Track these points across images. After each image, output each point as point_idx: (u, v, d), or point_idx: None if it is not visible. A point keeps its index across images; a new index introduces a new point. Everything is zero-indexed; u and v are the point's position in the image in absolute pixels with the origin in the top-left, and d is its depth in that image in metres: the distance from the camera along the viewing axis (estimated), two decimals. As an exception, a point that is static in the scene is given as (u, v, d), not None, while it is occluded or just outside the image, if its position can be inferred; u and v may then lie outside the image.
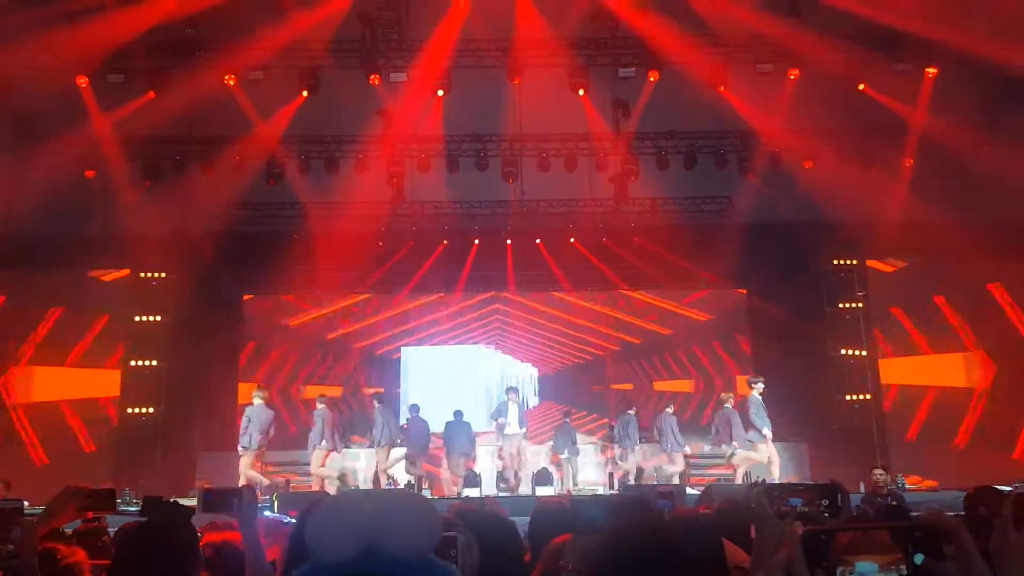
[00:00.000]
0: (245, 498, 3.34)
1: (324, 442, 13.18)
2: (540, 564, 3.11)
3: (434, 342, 17.40)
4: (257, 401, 12.92)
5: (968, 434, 15.37)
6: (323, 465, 13.34)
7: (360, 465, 14.68)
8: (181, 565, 2.47)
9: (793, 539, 1.16)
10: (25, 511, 2.97)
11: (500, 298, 17.47)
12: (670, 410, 14.52)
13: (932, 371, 15.97)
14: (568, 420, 14.93)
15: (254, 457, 12.76)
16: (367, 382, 17.16)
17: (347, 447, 14.48)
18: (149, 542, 2.57)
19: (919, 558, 1.18)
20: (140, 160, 14.52)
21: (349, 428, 14.96)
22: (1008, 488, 6.19)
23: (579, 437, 15.24)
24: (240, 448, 12.73)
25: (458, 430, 14.31)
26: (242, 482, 11.95)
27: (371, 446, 14.30)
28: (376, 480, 13.95)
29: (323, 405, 13.60)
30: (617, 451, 14.67)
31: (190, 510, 2.94)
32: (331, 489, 13.67)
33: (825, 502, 2.30)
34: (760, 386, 13.15)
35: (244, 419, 12.76)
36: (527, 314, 17.51)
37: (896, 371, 16.08)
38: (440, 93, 13.58)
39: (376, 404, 14.03)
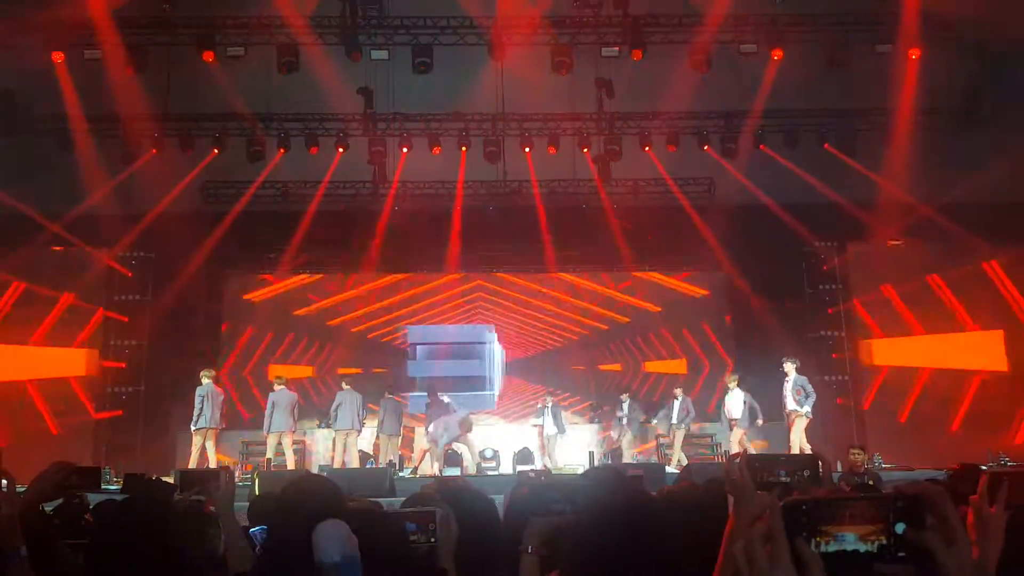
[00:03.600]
0: (223, 480, 3.34)
1: (286, 422, 13.15)
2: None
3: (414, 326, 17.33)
4: (206, 381, 12.87)
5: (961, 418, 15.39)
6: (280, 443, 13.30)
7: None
8: (162, 542, 2.46)
9: (773, 510, 1.16)
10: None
11: (482, 279, 17.42)
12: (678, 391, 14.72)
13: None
14: (553, 400, 14.96)
15: (210, 436, 12.77)
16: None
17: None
18: (130, 518, 2.55)
19: (900, 527, 1.19)
20: (118, 138, 14.36)
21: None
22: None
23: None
24: (193, 427, 12.67)
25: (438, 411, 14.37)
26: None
27: (324, 425, 14.40)
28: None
29: (281, 386, 13.56)
30: (614, 434, 14.86)
31: (172, 487, 2.93)
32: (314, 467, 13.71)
33: (806, 472, 2.31)
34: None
35: (197, 399, 12.69)
36: (507, 299, 17.45)
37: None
38: (422, 71, 13.47)
39: (344, 386, 13.98)
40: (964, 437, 14.79)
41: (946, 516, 1.20)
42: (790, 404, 12.68)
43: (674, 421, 14.29)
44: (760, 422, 13.32)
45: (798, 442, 12.48)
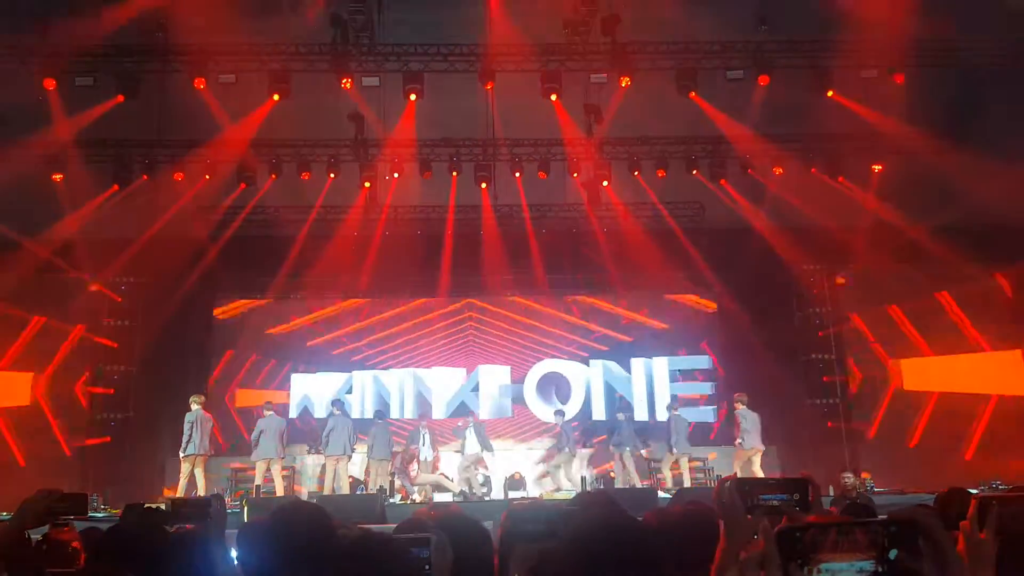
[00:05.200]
0: (214, 507, 3.32)
1: (274, 449, 13.11)
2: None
3: (408, 349, 17.25)
4: (195, 407, 12.86)
5: (977, 439, 15.31)
6: (268, 470, 13.23)
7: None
8: (157, 568, 2.44)
9: (768, 535, 1.16)
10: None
11: (473, 304, 17.41)
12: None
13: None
14: (475, 420, 14.71)
15: (199, 463, 12.73)
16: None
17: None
18: (124, 546, 2.54)
19: (893, 553, 1.19)
20: (109, 164, 14.37)
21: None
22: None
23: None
24: (182, 454, 12.66)
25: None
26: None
27: (313, 451, 14.31)
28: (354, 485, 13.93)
29: (270, 412, 13.53)
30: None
31: (167, 514, 2.91)
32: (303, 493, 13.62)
33: (796, 496, 2.31)
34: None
35: (187, 425, 12.70)
36: (500, 320, 17.43)
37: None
38: (413, 97, 13.55)
39: (335, 412, 13.93)
40: (978, 463, 14.62)
41: (939, 541, 1.21)
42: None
43: (612, 446, 14.30)
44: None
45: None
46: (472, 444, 14.16)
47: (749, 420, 13.32)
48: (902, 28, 12.15)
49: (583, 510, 2.93)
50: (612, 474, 14.53)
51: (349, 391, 16.62)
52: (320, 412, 16.22)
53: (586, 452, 15.19)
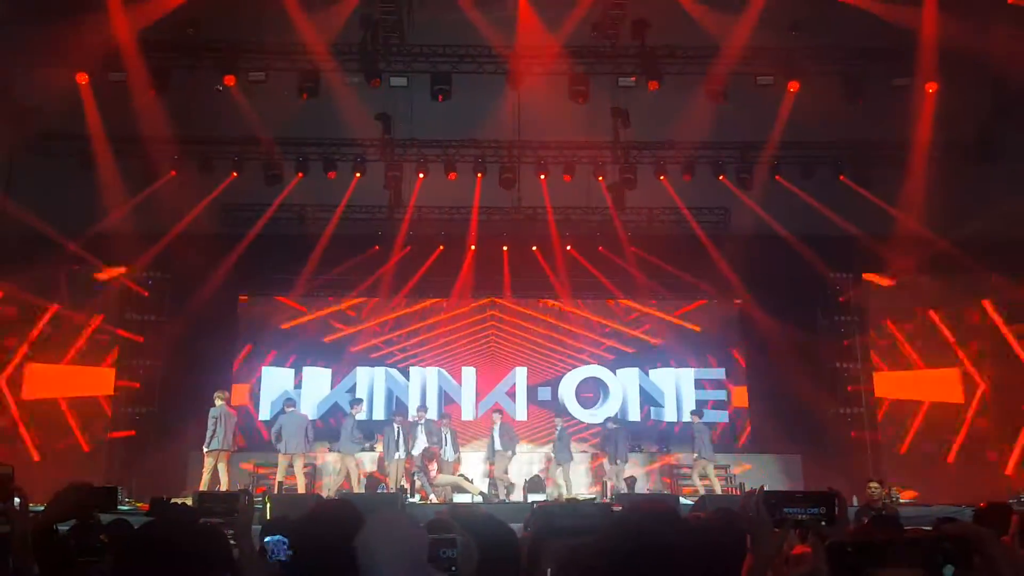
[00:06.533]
0: (242, 502, 3.33)
1: (298, 445, 13.15)
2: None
3: (428, 350, 17.25)
4: (219, 403, 12.93)
5: (957, 449, 15.46)
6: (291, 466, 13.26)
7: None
8: (190, 567, 2.43)
9: (818, 550, 1.15)
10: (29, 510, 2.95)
11: (495, 304, 17.39)
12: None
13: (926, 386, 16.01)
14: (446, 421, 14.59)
15: (222, 458, 12.79)
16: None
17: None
18: (158, 543, 2.53)
19: (949, 570, 1.17)
20: (139, 158, 14.49)
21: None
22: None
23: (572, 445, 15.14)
24: (206, 449, 12.71)
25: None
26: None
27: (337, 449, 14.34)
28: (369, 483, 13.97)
29: (291, 409, 13.59)
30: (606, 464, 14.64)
31: (196, 511, 2.93)
32: (325, 492, 13.67)
33: (822, 510, 2.28)
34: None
35: (211, 421, 12.77)
36: (522, 320, 17.40)
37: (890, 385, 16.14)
38: (440, 98, 13.57)
39: (347, 412, 13.96)
40: (958, 469, 14.81)
41: (996, 558, 1.19)
42: None
43: (552, 455, 14.27)
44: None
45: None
46: (448, 450, 14.02)
47: (702, 434, 14.02)
48: (935, 37, 12.03)
49: (626, 512, 2.93)
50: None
51: (350, 389, 16.61)
52: (308, 410, 16.18)
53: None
